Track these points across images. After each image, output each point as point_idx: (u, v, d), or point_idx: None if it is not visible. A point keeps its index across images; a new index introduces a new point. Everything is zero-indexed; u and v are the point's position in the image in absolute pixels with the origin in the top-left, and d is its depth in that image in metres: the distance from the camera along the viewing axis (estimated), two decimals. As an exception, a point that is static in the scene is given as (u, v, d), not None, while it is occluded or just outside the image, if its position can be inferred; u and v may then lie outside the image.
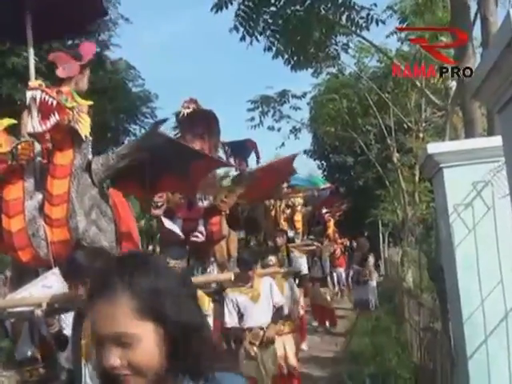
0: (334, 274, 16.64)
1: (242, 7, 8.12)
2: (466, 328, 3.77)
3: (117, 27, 13.47)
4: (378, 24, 8.66)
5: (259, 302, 6.13)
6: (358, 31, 8.53)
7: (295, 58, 8.99)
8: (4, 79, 12.80)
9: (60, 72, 4.49)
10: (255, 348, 6.05)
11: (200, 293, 4.58)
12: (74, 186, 4.26)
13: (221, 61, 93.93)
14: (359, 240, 13.95)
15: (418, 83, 10.38)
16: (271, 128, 17.10)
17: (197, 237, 7.03)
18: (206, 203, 7.21)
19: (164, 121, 5.05)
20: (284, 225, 11.10)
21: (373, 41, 10.06)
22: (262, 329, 6.10)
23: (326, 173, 30.79)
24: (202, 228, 7.06)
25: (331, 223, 16.71)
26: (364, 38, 9.51)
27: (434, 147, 4.03)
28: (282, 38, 8.52)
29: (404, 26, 10.32)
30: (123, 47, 23.50)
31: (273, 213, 10.79)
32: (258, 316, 6.13)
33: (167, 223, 7.10)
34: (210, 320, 4.65)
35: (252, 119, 15.99)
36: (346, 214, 18.46)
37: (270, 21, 8.26)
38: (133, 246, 4.83)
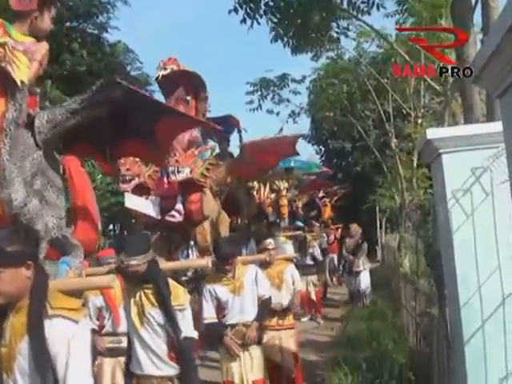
0: (327, 260, 16.10)
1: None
2: (462, 313, 3.79)
3: (115, 10, 13.36)
4: (378, 8, 8.60)
5: (242, 294, 5.29)
6: (360, 15, 8.46)
7: (295, 42, 8.93)
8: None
9: (14, 3, 3.51)
10: (237, 348, 5.25)
11: (172, 283, 4.09)
12: (6, 147, 3.41)
13: (221, 43, 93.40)
14: (352, 226, 13.57)
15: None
16: (270, 111, 17.06)
17: (173, 216, 6.22)
18: (179, 176, 6.15)
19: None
20: (269, 210, 10.39)
21: (373, 25, 10.01)
22: (246, 326, 5.28)
23: (323, 158, 30.78)
24: (179, 206, 6.25)
25: (327, 208, 16.67)
26: (364, 22, 9.46)
27: (433, 133, 4.02)
28: (283, 21, 8.46)
29: (403, 8, 10.22)
30: (122, 30, 23.38)
31: (257, 197, 9.90)
32: (241, 311, 5.29)
33: (130, 201, 6.43)
34: (189, 313, 4.07)
35: (251, 102, 15.94)
36: (344, 199, 18.47)
37: (271, 3, 8.19)
38: (90, 226, 4.18)
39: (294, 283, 6.50)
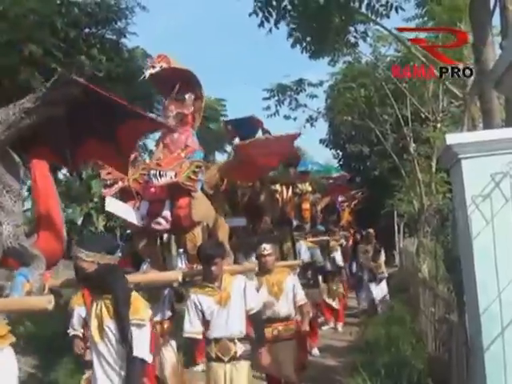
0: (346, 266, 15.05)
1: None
2: (482, 320, 3.76)
3: (133, 15, 13.45)
4: (397, 11, 8.56)
5: (228, 306, 4.85)
6: (378, 19, 8.42)
7: (314, 46, 8.91)
8: (22, 67, 12.83)
9: None
10: (223, 365, 4.81)
11: (135, 295, 3.77)
12: None
13: (238, 48, 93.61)
14: (367, 232, 13.18)
15: (436, 72, 10.26)
16: (287, 117, 17.02)
17: (158, 223, 5.77)
18: (162, 181, 5.60)
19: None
20: (291, 213, 10.05)
21: (390, 29, 9.97)
22: (232, 340, 4.82)
23: (341, 162, 30.66)
24: (166, 212, 5.79)
25: (346, 213, 16.55)
26: (382, 26, 9.42)
27: (452, 138, 4.00)
28: (301, 26, 8.45)
29: (422, 11, 10.16)
30: (140, 35, 23.53)
31: (279, 201, 9.47)
32: (226, 324, 4.84)
33: (111, 206, 5.93)
34: (146, 331, 3.70)
35: (268, 108, 15.93)
36: (362, 203, 18.37)
37: (290, 7, 8.18)
38: (54, 235, 3.97)
39: (295, 297, 6.03)
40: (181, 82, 5.94)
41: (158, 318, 5.91)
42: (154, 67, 5.68)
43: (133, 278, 4.09)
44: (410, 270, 13.29)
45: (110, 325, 3.65)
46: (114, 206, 5.94)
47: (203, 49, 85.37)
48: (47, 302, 2.79)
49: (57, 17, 11.12)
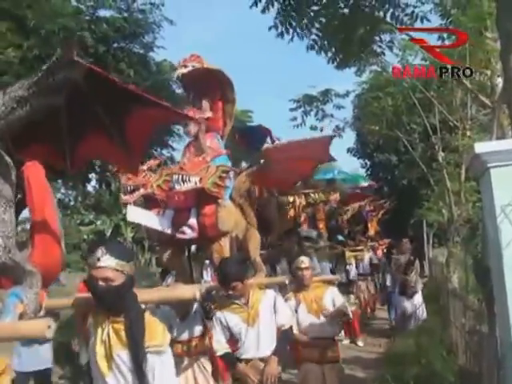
0: (375, 277, 14.97)
1: (284, 7, 8.08)
2: (513, 332, 3.69)
3: (161, 29, 13.63)
4: (422, 21, 8.54)
5: (257, 324, 4.50)
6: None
7: (340, 56, 8.91)
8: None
9: None
10: (255, 375, 4.47)
11: (150, 318, 3.17)
12: None
13: (264, 60, 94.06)
14: (401, 242, 11.98)
15: (464, 81, 10.19)
16: (314, 128, 17.01)
17: (183, 232, 5.38)
18: (185, 186, 5.22)
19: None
20: (304, 225, 9.55)
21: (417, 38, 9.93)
22: (263, 361, 4.46)
23: (369, 172, 30.53)
24: (192, 220, 5.40)
25: (374, 223, 16.36)
26: (407, 35, 9.40)
27: (481, 146, 3.96)
28: (326, 37, 8.46)
29: (447, 21, 10.15)
30: (168, 48, 23.81)
31: (292, 211, 8.90)
32: (257, 344, 4.49)
33: (133, 214, 5.54)
34: (168, 358, 3.16)
35: (294, 119, 15.94)
36: (390, 213, 18.21)
37: (313, 20, 8.20)
38: (51, 247, 3.50)
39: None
40: (211, 82, 5.65)
41: (186, 336, 5.27)
42: (186, 66, 5.41)
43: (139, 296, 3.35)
44: (440, 281, 13.12)
45: (121, 353, 3.06)
46: (135, 214, 5.57)
47: (230, 60, 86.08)
48: (45, 326, 2.35)
49: (86, 33, 11.33)
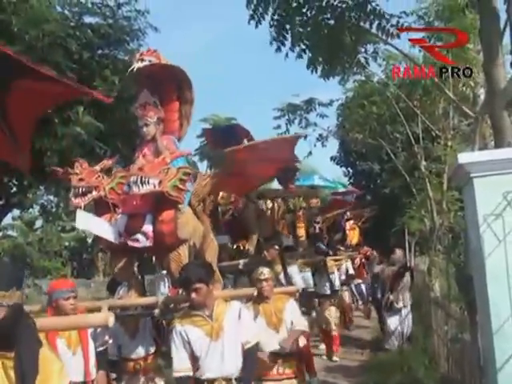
0: (352, 287, 14.38)
1: (275, 17, 8.12)
2: (495, 340, 3.74)
3: (145, 36, 13.60)
4: (408, 32, 8.62)
5: (222, 339, 4.04)
6: (389, 39, 8.49)
7: (326, 66, 8.95)
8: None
9: None
10: None
11: (47, 355, 2.69)
12: None
13: (248, 68, 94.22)
14: (394, 252, 10.52)
15: (447, 91, 10.32)
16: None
17: (136, 240, 4.82)
18: (143, 189, 4.63)
19: None
20: (285, 232, 9.10)
21: (401, 48, 10.05)
22: (229, 381, 4.02)
23: (352, 180, 30.67)
24: (147, 227, 4.83)
25: (356, 232, 16.27)
26: (393, 46, 9.49)
27: (464, 157, 4.02)
28: (312, 47, 8.50)
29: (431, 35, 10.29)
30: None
31: (270, 218, 8.58)
32: (222, 361, 4.01)
33: (82, 220, 4.97)
34: None
35: (278, 127, 15.98)
36: (372, 222, 18.28)
37: (301, 29, 8.24)
38: None
39: (292, 323, 5.10)
40: (169, 80, 5.19)
41: (137, 354, 5.20)
42: (142, 60, 4.90)
43: (41, 322, 2.86)
44: (422, 289, 13.19)
45: None
46: (85, 220, 4.99)
47: (213, 69, 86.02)
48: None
49: (71, 39, 11.25)
